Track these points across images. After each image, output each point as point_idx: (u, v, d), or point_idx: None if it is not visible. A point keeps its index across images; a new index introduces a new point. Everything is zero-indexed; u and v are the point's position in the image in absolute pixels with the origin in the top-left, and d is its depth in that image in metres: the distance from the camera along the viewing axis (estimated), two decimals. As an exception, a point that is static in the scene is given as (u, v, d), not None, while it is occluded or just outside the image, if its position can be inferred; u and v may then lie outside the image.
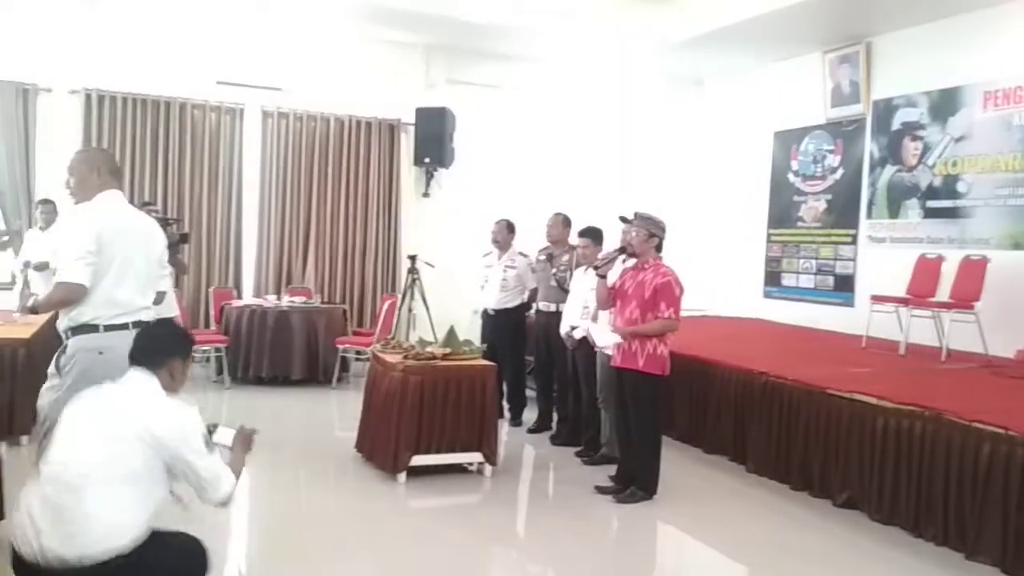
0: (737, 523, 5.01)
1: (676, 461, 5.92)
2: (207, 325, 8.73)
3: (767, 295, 9.89)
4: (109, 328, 3.57)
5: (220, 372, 8.27)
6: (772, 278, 9.88)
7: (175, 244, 6.56)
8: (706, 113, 11.14)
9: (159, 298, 3.98)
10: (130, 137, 8.65)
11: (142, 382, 2.84)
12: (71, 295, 3.54)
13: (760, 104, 10.11)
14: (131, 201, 8.24)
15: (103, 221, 3.64)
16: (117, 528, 2.60)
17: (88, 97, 8.49)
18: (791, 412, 5.60)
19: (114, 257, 3.59)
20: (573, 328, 6.16)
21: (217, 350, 8.24)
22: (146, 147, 8.73)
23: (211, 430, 3.07)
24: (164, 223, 6.34)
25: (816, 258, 9.33)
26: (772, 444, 5.72)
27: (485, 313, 7.27)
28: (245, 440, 3.27)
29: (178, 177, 8.88)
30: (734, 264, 10.21)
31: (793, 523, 5.01)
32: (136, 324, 3.60)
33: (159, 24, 8.62)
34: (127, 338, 3.23)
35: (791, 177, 9.71)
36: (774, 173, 9.93)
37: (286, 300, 8.62)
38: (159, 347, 2.97)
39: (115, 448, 2.64)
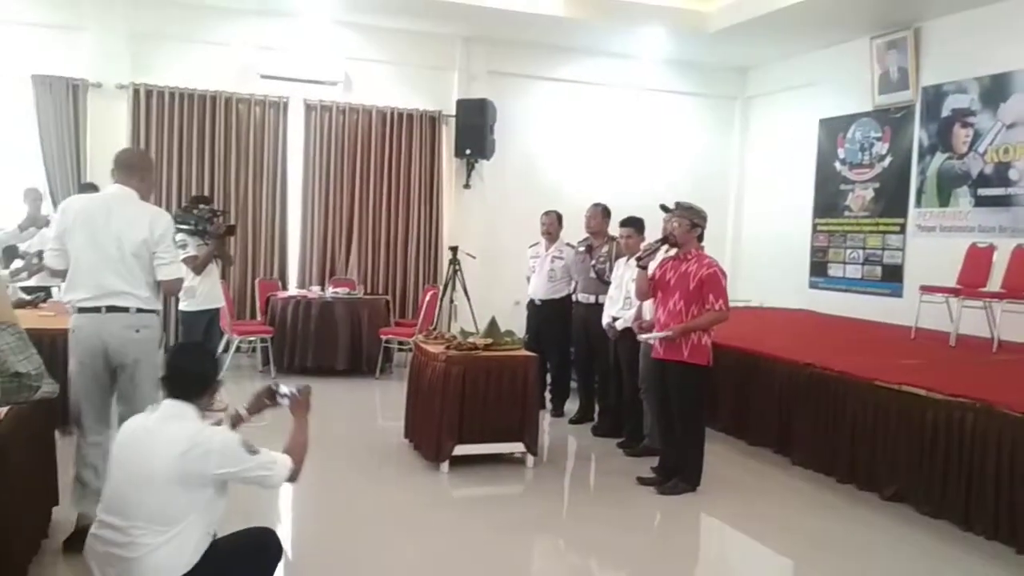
0: (781, 516, 4.97)
1: (720, 453, 5.88)
2: (253, 316, 8.87)
3: (813, 285, 9.74)
4: (79, 311, 3.91)
5: (266, 362, 8.41)
6: (818, 268, 9.73)
7: (222, 236, 6.68)
8: (750, 101, 11.01)
9: (171, 286, 4.10)
10: (177, 131, 8.80)
11: (178, 416, 2.88)
12: (53, 279, 3.82)
13: (806, 92, 9.95)
14: (180, 195, 8.51)
15: (63, 211, 4.01)
16: (172, 566, 2.72)
17: (136, 92, 8.66)
18: (837, 404, 5.52)
19: (74, 245, 3.89)
20: (615, 319, 6.14)
21: (263, 340, 8.38)
22: (192, 141, 8.87)
23: (275, 388, 3.42)
24: (212, 215, 6.50)
25: (863, 248, 9.17)
26: (818, 436, 5.65)
27: (531, 303, 7.28)
28: (301, 406, 3.39)
29: (224, 170, 9.02)
30: (779, 254, 10.08)
31: (839, 516, 4.94)
32: (111, 308, 3.88)
33: (204, 19, 8.76)
34: (95, 320, 3.81)
35: (838, 165, 9.55)
36: (820, 161, 9.77)
37: (330, 291, 8.72)
38: (197, 380, 3.01)
39: (160, 493, 2.72)
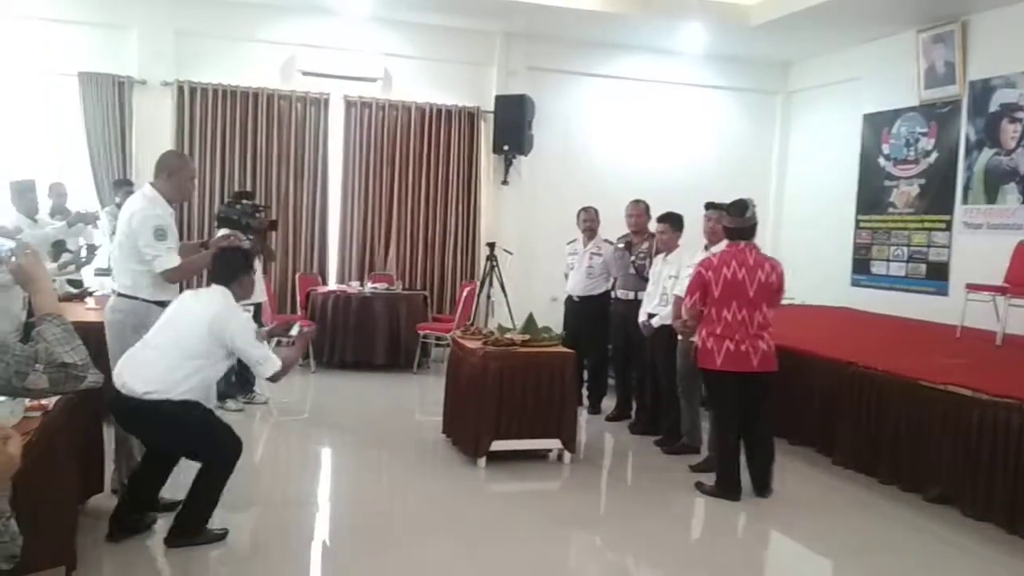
0: (822, 516, 4.91)
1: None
2: (293, 310, 8.97)
3: (855, 283, 9.59)
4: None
5: (306, 356, 8.49)
6: (861, 266, 9.58)
7: (264, 231, 6.77)
8: (791, 96, 10.87)
9: (169, 276, 4.40)
10: (220, 127, 8.93)
11: (218, 292, 3.96)
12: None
13: (849, 86, 9.79)
14: (223, 191, 8.63)
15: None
16: (171, 381, 3.73)
17: (180, 89, 8.80)
18: (881, 404, 5.44)
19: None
20: (651, 316, 6.11)
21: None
22: (235, 137, 8.99)
23: (289, 327, 4.56)
24: (254, 210, 6.58)
25: (908, 245, 9.00)
26: (860, 436, 5.57)
27: (569, 300, 7.26)
28: (303, 339, 4.44)
29: (266, 166, 9.13)
30: (821, 251, 9.93)
31: (881, 518, 4.87)
32: (112, 289, 4.61)
33: (246, 17, 8.86)
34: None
35: (882, 161, 9.38)
36: (864, 157, 9.60)
37: (369, 286, 8.79)
38: (230, 268, 4.03)
39: (186, 332, 3.81)
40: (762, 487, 5.05)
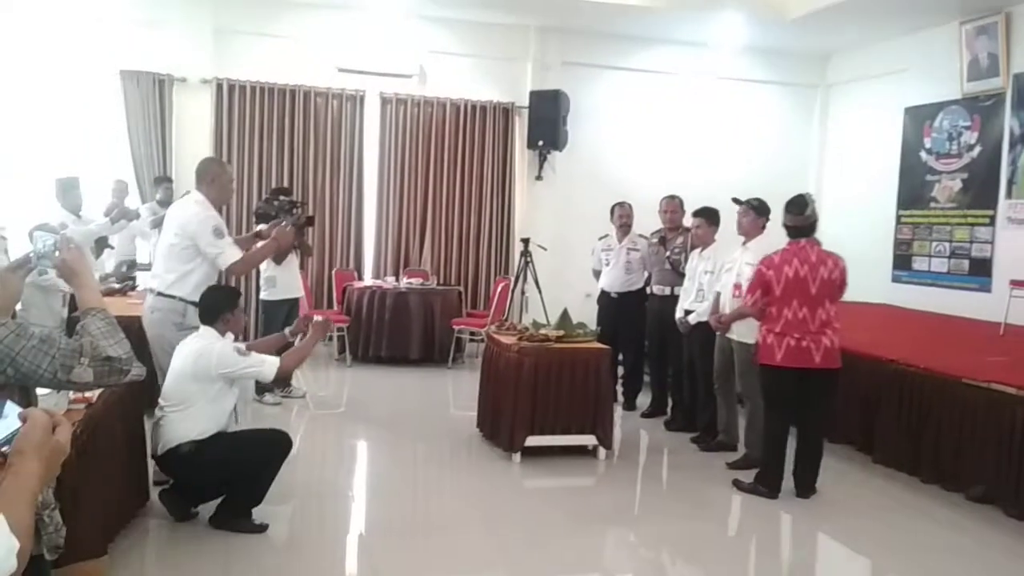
0: (862, 515, 4.84)
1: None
2: (330, 305, 9.05)
3: (896, 279, 9.44)
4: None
5: (342, 351, 8.58)
6: (902, 262, 9.42)
7: (301, 227, 6.83)
8: (831, 89, 10.71)
9: (236, 268, 4.79)
10: (258, 124, 9.02)
11: (202, 335, 4.10)
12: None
13: (890, 79, 9.63)
14: (260, 187, 8.73)
15: None
16: (187, 428, 3.94)
17: (219, 86, 8.90)
18: (923, 402, 5.35)
19: None
20: (688, 312, 6.07)
21: (339, 330, 8.54)
22: (273, 134, 9.08)
23: (310, 321, 4.63)
24: (292, 206, 6.65)
25: (950, 240, 8.84)
26: (902, 434, 5.49)
27: (605, 296, 7.21)
28: (319, 329, 4.54)
29: (303, 162, 9.21)
30: (860, 247, 9.73)
31: (922, 517, 4.80)
32: (148, 288, 4.84)
33: (283, 14, 8.94)
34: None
35: (923, 155, 9.21)
36: (904, 151, 9.44)
37: (404, 282, 8.84)
38: (209, 308, 4.17)
39: (181, 383, 3.99)
40: (806, 488, 4.99)
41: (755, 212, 5.65)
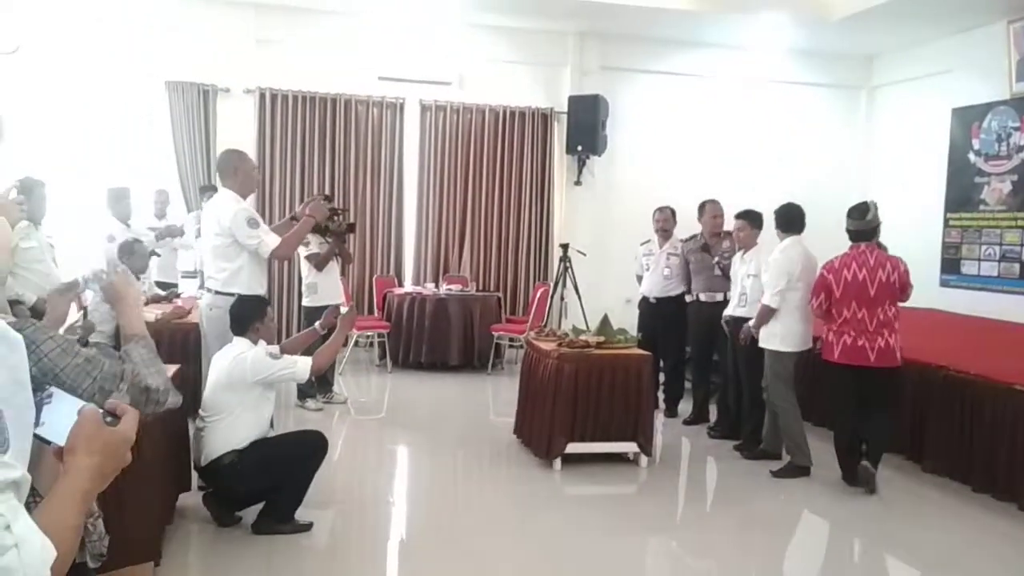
0: (913, 524, 4.73)
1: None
2: (370, 311, 9.10)
3: (944, 284, 9.22)
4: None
5: (383, 356, 8.62)
6: (950, 265, 9.21)
7: (342, 234, 6.88)
8: (875, 91, 10.52)
9: (277, 252, 4.93)
10: (300, 133, 9.12)
11: (236, 345, 4.16)
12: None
13: (937, 80, 9.42)
14: (302, 194, 8.85)
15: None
16: (227, 439, 4.00)
17: (262, 96, 9.02)
18: (974, 409, 5.22)
19: None
20: (736, 318, 5.99)
21: (380, 335, 8.60)
22: (314, 142, 9.18)
23: (338, 311, 4.79)
24: (333, 213, 6.71)
25: (1000, 244, 8.61)
26: (952, 442, 5.35)
27: (645, 301, 7.16)
28: (346, 322, 4.63)
29: (344, 170, 9.29)
30: (907, 251, 9.50)
31: (973, 527, 4.67)
32: (204, 287, 5.10)
33: (324, 24, 9.03)
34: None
35: (972, 157, 8.99)
36: (952, 153, 9.22)
37: (443, 288, 8.86)
38: (239, 320, 4.24)
39: (218, 393, 4.06)
40: (866, 481, 5.10)
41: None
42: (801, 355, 5.54)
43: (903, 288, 5.14)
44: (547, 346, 5.58)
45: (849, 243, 5.25)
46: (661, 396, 7.01)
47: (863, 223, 5.16)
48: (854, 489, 5.15)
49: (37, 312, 5.06)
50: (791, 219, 5.63)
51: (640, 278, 7.27)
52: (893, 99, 10.29)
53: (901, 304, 5.22)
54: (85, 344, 5.42)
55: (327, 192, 8.74)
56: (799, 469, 5.41)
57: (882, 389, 5.09)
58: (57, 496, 1.14)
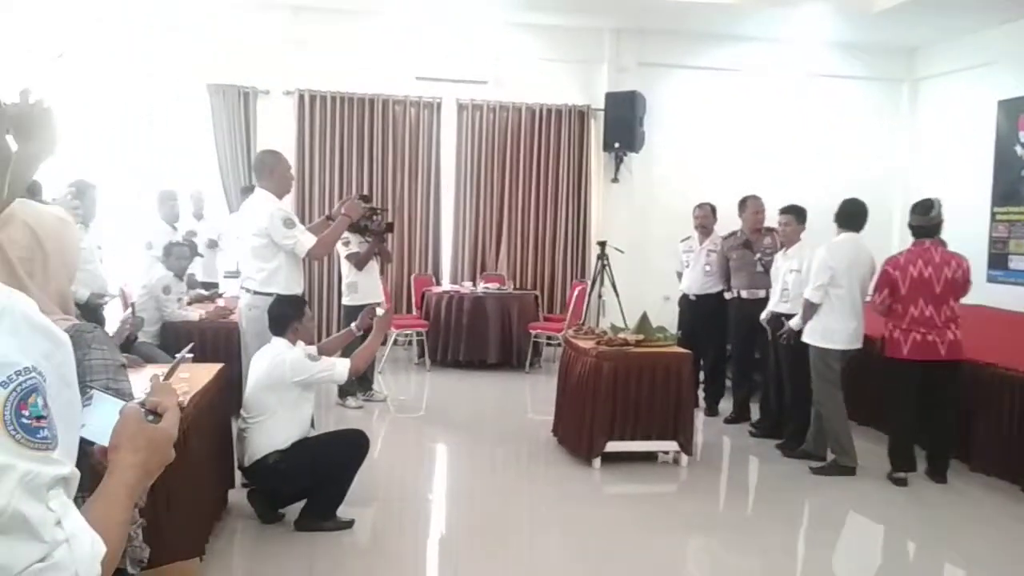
0: (960, 524, 4.65)
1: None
2: (409, 310, 9.15)
3: (991, 279, 9.02)
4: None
5: (421, 355, 8.67)
6: (997, 261, 9.01)
7: (381, 233, 6.93)
8: (918, 84, 10.33)
9: (313, 252, 5.05)
10: (338, 133, 9.20)
11: (274, 346, 4.21)
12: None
13: (982, 72, 9.22)
14: (341, 194, 8.92)
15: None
16: (269, 439, 4.06)
17: (301, 97, 9.11)
18: (1023, 407, 5.10)
19: None
20: (777, 315, 5.93)
21: (418, 334, 8.64)
22: (352, 142, 9.25)
23: (374, 314, 4.70)
24: (372, 213, 6.77)
25: (1050, 239, 8.41)
26: (1001, 441, 5.24)
27: (685, 299, 7.11)
28: (382, 323, 4.61)
29: (382, 170, 9.35)
30: (953, 246, 9.34)
31: (1023, 526, 4.58)
32: (242, 287, 5.12)
33: (361, 24, 9.09)
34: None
35: (1019, 150, 8.79)
36: (999, 146, 9.02)
37: (481, 286, 8.88)
38: (277, 320, 4.29)
39: (259, 394, 4.11)
40: (938, 472, 5.20)
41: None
42: (846, 354, 5.42)
43: (965, 285, 5.15)
44: (585, 344, 5.57)
45: (912, 239, 5.27)
46: (701, 394, 6.96)
47: (927, 219, 5.15)
48: (899, 488, 5.09)
49: (89, 308, 5.22)
50: (849, 215, 5.49)
51: (680, 275, 7.23)
52: (937, 92, 10.09)
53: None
54: (135, 340, 5.53)
55: (365, 192, 8.81)
56: (843, 468, 5.34)
57: (950, 383, 5.13)
58: (104, 493, 1.15)
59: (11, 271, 1.60)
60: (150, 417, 1.32)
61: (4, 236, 1.60)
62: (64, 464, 0.95)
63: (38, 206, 1.75)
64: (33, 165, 1.66)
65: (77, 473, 0.98)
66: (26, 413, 0.90)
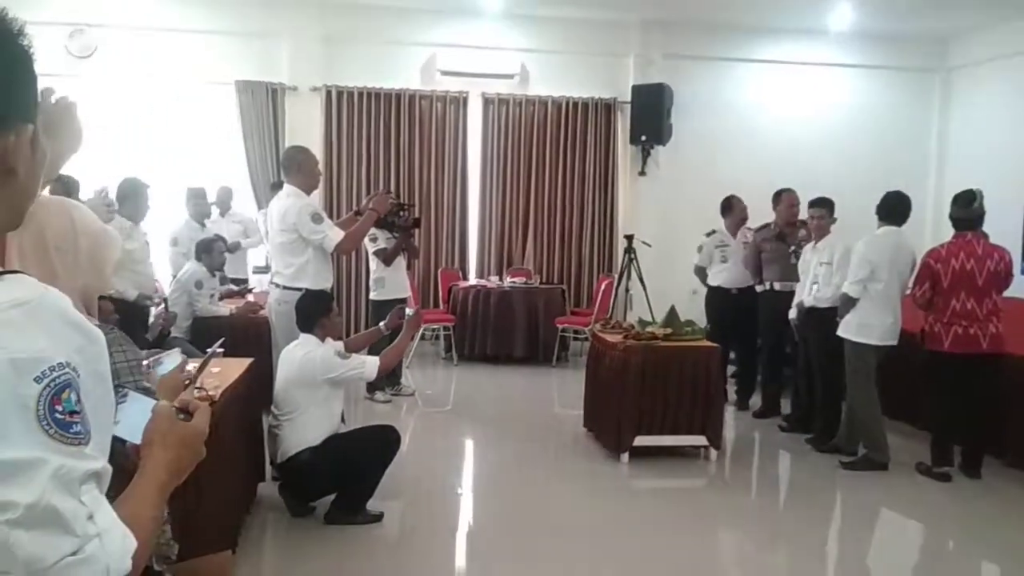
0: (994, 520, 4.57)
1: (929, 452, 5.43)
2: (436, 305, 9.17)
3: (1025, 272, 8.88)
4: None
5: (448, 349, 8.69)
6: (1033, 253, 8.85)
7: (408, 229, 6.96)
8: (951, 74, 10.16)
9: (342, 247, 5.11)
10: (365, 129, 9.23)
11: (303, 343, 4.23)
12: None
13: (1018, 61, 9.04)
14: (368, 190, 8.96)
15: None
16: (301, 436, 4.09)
17: (328, 93, 9.15)
18: (1060, 402, 5.02)
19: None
20: (805, 307, 5.87)
21: (446, 328, 8.67)
22: (379, 138, 9.28)
23: (403, 314, 4.72)
24: (399, 209, 6.79)
25: (1087, 230, 8.25)
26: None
27: (724, 293, 6.98)
28: (413, 325, 4.68)
29: (408, 165, 9.37)
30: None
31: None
32: (272, 283, 5.20)
33: (387, 20, 9.11)
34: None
35: (1056, 140, 8.63)
36: (1035, 135, 8.86)
37: (508, 281, 8.88)
38: (305, 316, 4.30)
39: (289, 391, 4.14)
40: (972, 466, 5.14)
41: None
42: (880, 350, 5.32)
43: (1007, 277, 5.09)
44: (613, 338, 5.55)
45: (949, 230, 5.20)
46: (732, 388, 6.91)
47: (969, 211, 5.06)
48: (932, 483, 5.02)
49: (137, 308, 5.30)
50: (890, 207, 5.40)
51: (702, 270, 7.14)
52: (970, 82, 9.92)
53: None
54: (168, 335, 5.59)
55: (390, 188, 8.85)
56: (874, 463, 5.28)
57: (991, 377, 5.06)
58: (136, 489, 1.17)
59: (45, 257, 1.63)
60: (181, 415, 1.34)
61: (46, 222, 1.64)
62: (97, 459, 0.96)
63: (84, 207, 1.80)
64: (58, 163, 1.69)
65: (109, 468, 0.99)
66: (60, 408, 0.91)
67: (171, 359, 2.26)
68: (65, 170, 5.69)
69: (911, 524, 4.72)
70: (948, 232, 5.25)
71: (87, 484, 0.93)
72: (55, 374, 0.91)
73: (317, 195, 5.51)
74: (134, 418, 1.34)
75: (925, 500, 4.85)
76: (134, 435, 1.31)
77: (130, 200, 5.47)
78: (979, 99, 9.82)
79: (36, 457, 0.88)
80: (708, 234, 7.13)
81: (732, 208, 7.08)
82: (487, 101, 9.51)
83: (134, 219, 5.48)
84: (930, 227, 9.74)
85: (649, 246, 8.79)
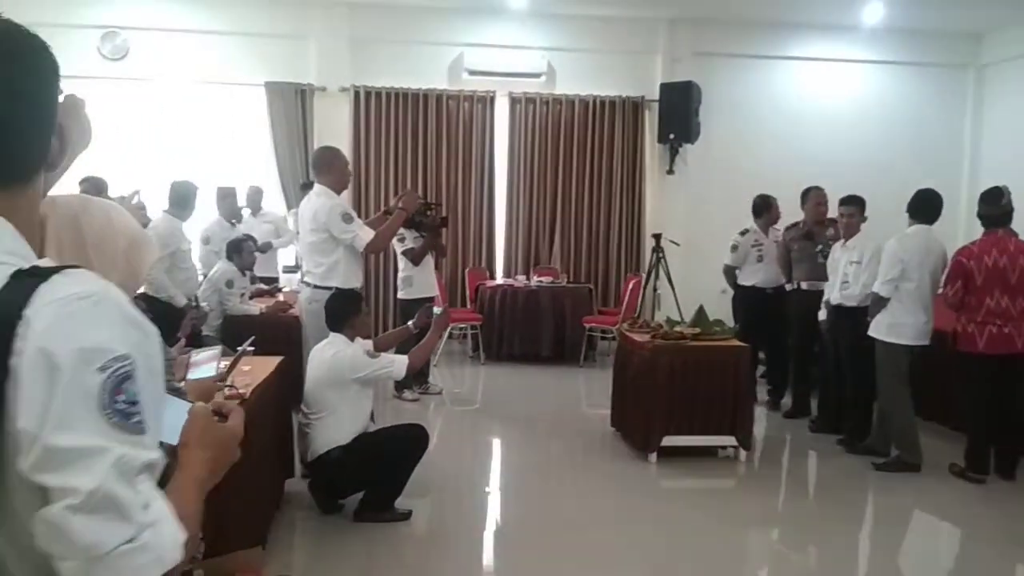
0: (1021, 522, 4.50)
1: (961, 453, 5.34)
2: (463, 304, 9.19)
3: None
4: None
5: (475, 348, 8.71)
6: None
7: (436, 228, 6.98)
8: (984, 70, 9.99)
9: (371, 246, 5.11)
10: (393, 129, 9.27)
11: (333, 342, 4.25)
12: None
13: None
14: (396, 190, 9.00)
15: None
16: (331, 435, 4.11)
17: (356, 94, 9.20)
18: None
19: None
20: (834, 306, 5.81)
21: (473, 327, 8.68)
22: (407, 137, 9.31)
23: (430, 312, 4.79)
24: (427, 208, 6.82)
25: None
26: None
27: (759, 293, 6.86)
28: (441, 324, 4.73)
29: (436, 165, 9.40)
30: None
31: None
32: (303, 282, 5.31)
33: (414, 20, 9.14)
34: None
35: (1093, 136, 8.47)
36: (1070, 132, 8.70)
37: (535, 280, 8.87)
38: (335, 316, 4.32)
39: (320, 390, 4.15)
40: (1007, 468, 5.06)
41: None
42: (913, 350, 5.25)
43: None
44: (641, 338, 5.53)
45: (982, 229, 5.13)
46: (763, 388, 6.85)
47: (998, 208, 5.00)
48: (965, 485, 4.96)
49: (171, 309, 5.39)
50: (921, 206, 5.33)
51: (731, 270, 7.06)
52: (1004, 78, 9.76)
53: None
54: (199, 333, 5.66)
55: (419, 187, 8.89)
56: (907, 465, 5.21)
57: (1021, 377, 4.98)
58: (176, 486, 1.19)
59: (82, 253, 1.66)
60: (215, 417, 1.37)
61: (85, 220, 1.68)
62: (153, 450, 0.98)
63: (122, 208, 1.83)
64: (67, 161, 1.71)
65: (163, 459, 1.01)
66: (121, 398, 0.93)
67: (209, 354, 2.32)
68: (96, 171, 5.81)
69: (944, 526, 4.65)
70: (980, 231, 5.17)
71: (143, 474, 0.95)
72: (117, 365, 0.93)
73: (346, 195, 5.59)
74: (170, 419, 1.36)
75: (958, 502, 4.78)
76: (171, 436, 1.34)
77: (183, 202, 5.67)
78: (1013, 95, 9.66)
79: (98, 445, 0.90)
80: (742, 233, 6.99)
81: (770, 208, 6.95)
82: (514, 100, 9.51)
83: (183, 220, 5.67)
84: (963, 226, 9.57)
85: (677, 245, 8.75)
